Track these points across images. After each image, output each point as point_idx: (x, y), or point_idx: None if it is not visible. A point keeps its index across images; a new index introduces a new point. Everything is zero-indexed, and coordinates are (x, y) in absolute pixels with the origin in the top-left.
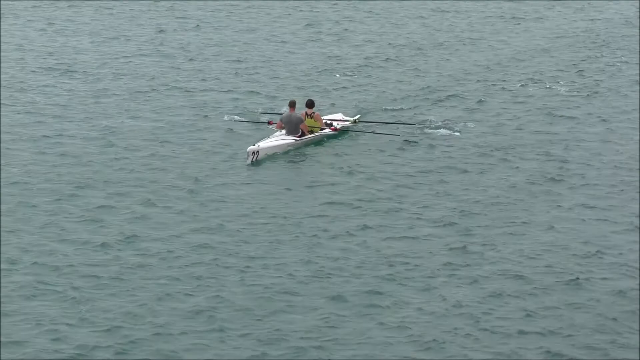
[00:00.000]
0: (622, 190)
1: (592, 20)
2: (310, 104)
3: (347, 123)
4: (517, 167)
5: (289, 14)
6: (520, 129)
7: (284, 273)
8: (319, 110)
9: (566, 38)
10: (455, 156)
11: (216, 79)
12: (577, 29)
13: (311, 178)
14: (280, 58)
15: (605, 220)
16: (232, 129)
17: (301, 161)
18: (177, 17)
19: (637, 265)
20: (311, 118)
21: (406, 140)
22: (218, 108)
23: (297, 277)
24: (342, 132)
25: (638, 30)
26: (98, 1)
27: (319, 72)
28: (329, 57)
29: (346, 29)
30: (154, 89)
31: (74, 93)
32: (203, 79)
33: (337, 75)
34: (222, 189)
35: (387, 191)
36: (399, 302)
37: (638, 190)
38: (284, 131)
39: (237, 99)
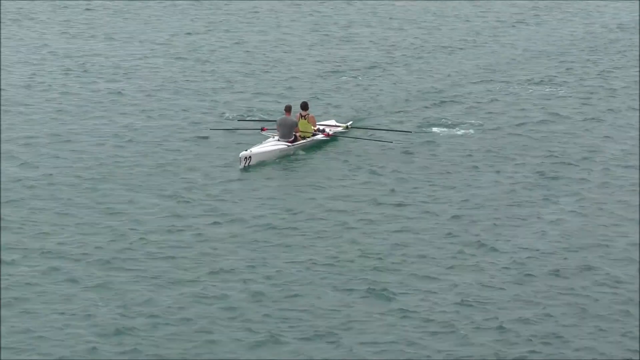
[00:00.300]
0: (621, 185)
1: (589, 24)
2: (304, 106)
3: (339, 129)
4: (518, 165)
5: (298, 18)
6: (521, 129)
7: (289, 265)
8: (315, 112)
9: (564, 41)
10: (456, 155)
11: (227, 81)
12: (574, 33)
13: (308, 179)
14: (289, 61)
15: (605, 214)
16: (226, 133)
17: (296, 165)
18: (190, 21)
19: (637, 258)
20: (305, 119)
21: (400, 146)
22: (224, 109)
23: (303, 268)
24: (334, 137)
25: (633, 33)
26: (113, 3)
27: (326, 74)
28: (336, 59)
29: (353, 33)
30: (166, 90)
31: (90, 93)
32: (214, 81)
33: (344, 77)
34: (221, 190)
35: (383, 190)
36: (403, 291)
37: (638, 186)
38: (277, 137)
39: (244, 100)
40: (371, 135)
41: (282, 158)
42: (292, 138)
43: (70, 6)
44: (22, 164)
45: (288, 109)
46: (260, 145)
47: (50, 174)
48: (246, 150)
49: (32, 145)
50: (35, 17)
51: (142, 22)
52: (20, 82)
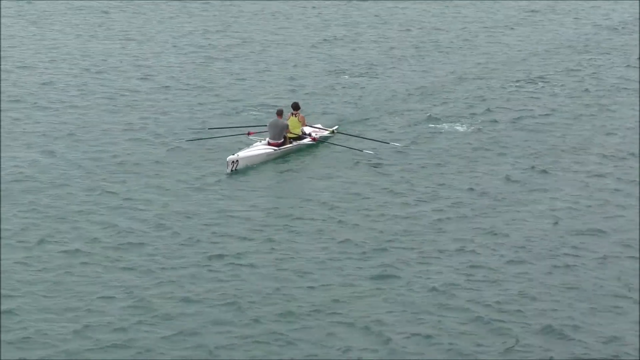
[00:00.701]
0: (618, 178)
1: (583, 24)
2: (295, 106)
3: (326, 133)
4: (518, 157)
5: (303, 19)
6: (519, 124)
7: (294, 259)
8: (317, 110)
9: (559, 40)
10: (457, 149)
11: (236, 79)
12: (568, 32)
13: (304, 176)
14: (295, 60)
15: (600, 201)
16: (213, 138)
17: (286, 167)
18: (201, 22)
19: (637, 245)
20: (295, 117)
21: (401, 142)
22: (229, 108)
23: (310, 261)
24: (320, 142)
25: (623, 34)
26: (128, 4)
27: (329, 73)
28: (339, 59)
29: (356, 33)
30: (176, 88)
31: (105, 91)
32: (222, 79)
33: (346, 76)
34: (224, 185)
35: (384, 183)
36: (408, 274)
37: (638, 178)
38: (264, 141)
39: (249, 98)
40: (354, 141)
41: (271, 161)
42: (282, 140)
43: (85, 7)
44: (42, 155)
45: (280, 113)
46: (247, 150)
47: (65, 165)
48: (233, 155)
49: (48, 137)
50: (54, 19)
51: (157, 23)
52: (40, 80)
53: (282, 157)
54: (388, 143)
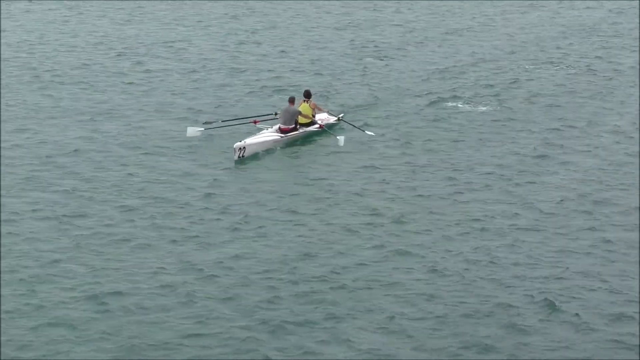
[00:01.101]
0: (627, 154)
1: (595, 9)
2: (307, 94)
3: (332, 120)
4: (532, 133)
5: (324, 5)
6: (533, 103)
7: (319, 230)
8: (337, 91)
9: (571, 24)
10: (471, 128)
11: (263, 62)
12: (580, 16)
13: (317, 158)
14: (321, 44)
15: (608, 178)
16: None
17: (299, 150)
18: (232, 7)
19: (637, 219)
20: (307, 104)
21: (417, 118)
22: (254, 87)
23: (335, 232)
24: (325, 129)
25: (634, 17)
26: None
27: (352, 56)
28: (362, 42)
29: (379, 17)
30: (205, 69)
31: (137, 72)
32: (248, 62)
33: (370, 59)
34: (240, 168)
35: (396, 162)
36: (427, 244)
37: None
38: (271, 129)
39: (273, 78)
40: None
41: (280, 146)
42: (294, 125)
43: None
44: (81, 131)
45: (292, 100)
46: (254, 137)
47: (102, 141)
48: (240, 142)
49: (89, 114)
50: (91, 4)
51: (189, 7)
52: (78, 63)
53: (291, 143)
54: (363, 131)
